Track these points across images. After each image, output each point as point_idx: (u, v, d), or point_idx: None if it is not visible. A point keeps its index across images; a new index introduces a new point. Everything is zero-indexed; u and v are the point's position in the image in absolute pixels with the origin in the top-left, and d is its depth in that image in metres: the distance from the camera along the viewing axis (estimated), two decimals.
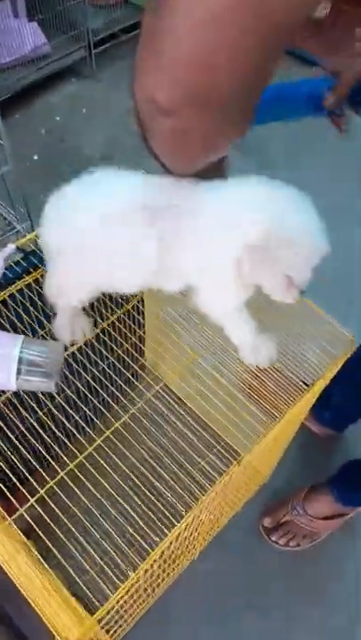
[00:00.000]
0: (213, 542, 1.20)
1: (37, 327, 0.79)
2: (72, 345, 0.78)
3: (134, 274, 0.67)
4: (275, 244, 0.55)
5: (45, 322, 0.78)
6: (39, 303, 0.77)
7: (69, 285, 0.70)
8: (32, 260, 0.82)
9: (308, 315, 0.77)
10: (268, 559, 1.23)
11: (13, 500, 0.65)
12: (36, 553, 0.63)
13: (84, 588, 0.70)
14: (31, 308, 0.77)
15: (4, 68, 2.03)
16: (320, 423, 1.38)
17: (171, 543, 0.63)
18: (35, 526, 0.65)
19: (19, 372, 0.66)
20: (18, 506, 0.66)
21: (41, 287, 0.80)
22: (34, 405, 0.77)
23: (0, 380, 0.65)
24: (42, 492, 0.65)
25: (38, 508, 0.64)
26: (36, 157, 2.00)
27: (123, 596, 0.59)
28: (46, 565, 0.63)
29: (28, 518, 0.65)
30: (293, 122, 0.89)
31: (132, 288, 0.70)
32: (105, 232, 0.63)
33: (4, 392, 0.78)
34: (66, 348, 0.77)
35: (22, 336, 0.67)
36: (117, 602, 0.59)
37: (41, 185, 1.80)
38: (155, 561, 0.63)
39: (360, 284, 1.66)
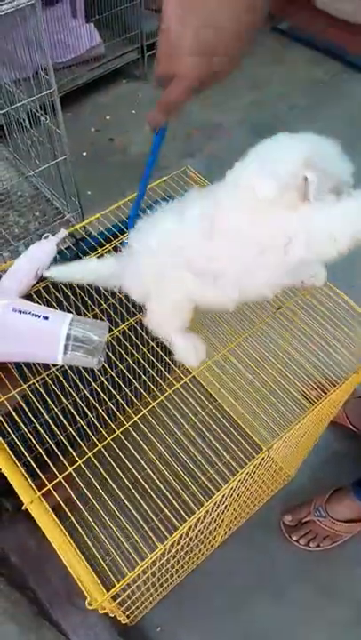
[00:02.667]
0: (233, 534, 1.23)
1: (83, 308, 0.84)
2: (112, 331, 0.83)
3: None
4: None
5: (90, 303, 0.83)
6: (86, 287, 0.82)
7: (166, 314, 0.75)
8: (82, 246, 0.87)
9: (345, 314, 0.79)
10: (286, 554, 1.24)
11: (44, 478, 0.69)
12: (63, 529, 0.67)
13: (106, 569, 0.74)
14: (79, 291, 0.82)
15: (60, 67, 2.10)
16: None
17: (191, 528, 0.66)
18: (63, 505, 0.68)
19: (66, 347, 0.70)
20: (48, 482, 0.70)
21: None
22: (72, 388, 0.82)
23: (50, 353, 0.70)
24: (70, 469, 0.69)
25: (68, 488, 0.67)
26: (85, 154, 2.07)
27: (139, 574, 0.62)
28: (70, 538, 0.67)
29: (57, 497, 0.69)
30: None
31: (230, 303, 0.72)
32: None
33: (49, 368, 0.82)
34: (110, 330, 0.81)
35: (71, 314, 0.71)
36: (135, 581, 0.62)
37: (88, 180, 1.89)
38: (176, 542, 0.66)
39: None
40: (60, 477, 0.67)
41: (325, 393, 0.72)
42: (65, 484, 0.69)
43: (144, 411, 0.73)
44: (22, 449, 0.72)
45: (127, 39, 2.23)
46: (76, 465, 0.69)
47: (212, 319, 1.01)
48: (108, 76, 2.27)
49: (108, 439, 0.71)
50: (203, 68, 0.55)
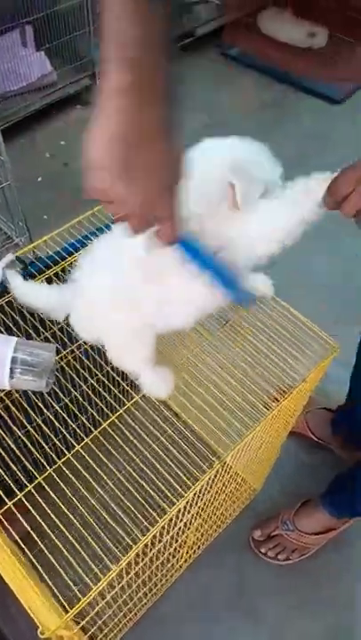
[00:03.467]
0: (204, 552, 1.21)
1: (33, 333, 0.83)
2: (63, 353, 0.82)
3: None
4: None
5: (40, 328, 0.82)
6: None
7: (128, 346, 0.74)
8: (30, 270, 0.86)
9: (295, 325, 0.81)
10: (260, 571, 1.24)
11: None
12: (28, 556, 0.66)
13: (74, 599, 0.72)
14: (27, 315, 0.81)
15: (11, 95, 2.11)
16: (347, 444, 1.36)
17: (147, 545, 0.65)
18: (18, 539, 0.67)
19: (12, 371, 0.69)
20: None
21: None
22: (24, 418, 0.80)
23: None
24: (30, 487, 0.68)
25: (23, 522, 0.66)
26: (40, 179, 2.07)
27: (97, 598, 0.60)
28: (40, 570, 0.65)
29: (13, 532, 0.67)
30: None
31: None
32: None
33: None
34: (58, 352, 0.80)
35: (16, 338, 0.71)
36: (98, 599, 0.61)
37: (44, 205, 1.89)
38: (133, 561, 0.65)
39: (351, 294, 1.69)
40: (10, 504, 0.65)
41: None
42: (19, 516, 0.68)
43: (95, 432, 0.72)
44: None
45: (79, 66, 2.27)
46: (22, 495, 0.68)
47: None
48: (61, 103, 2.29)
49: (51, 467, 0.70)
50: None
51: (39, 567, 0.69)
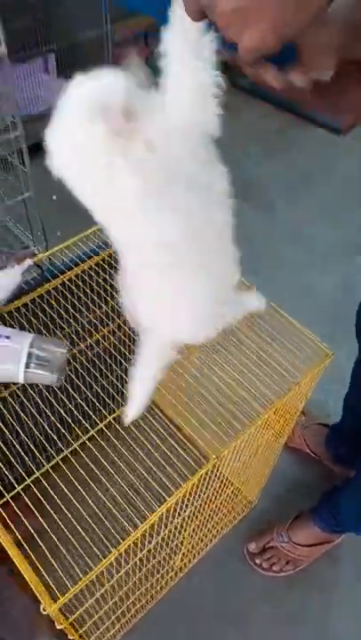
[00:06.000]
0: (199, 562, 1.24)
1: (44, 331, 0.89)
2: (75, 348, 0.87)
3: None
4: None
5: (52, 327, 0.88)
6: (48, 311, 0.87)
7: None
8: (46, 275, 0.92)
9: (291, 331, 0.86)
10: (251, 583, 1.26)
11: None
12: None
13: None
14: (41, 315, 0.87)
15: (35, 117, 2.23)
16: (337, 461, 1.40)
17: (145, 535, 0.69)
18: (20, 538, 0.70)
19: (27, 365, 0.74)
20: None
21: (51, 298, 0.90)
22: (33, 413, 0.85)
23: (11, 371, 0.74)
24: (28, 480, 0.72)
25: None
26: (54, 197, 2.16)
27: (92, 586, 0.64)
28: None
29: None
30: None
31: None
32: None
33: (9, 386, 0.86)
34: (70, 349, 0.85)
35: (32, 334, 0.76)
36: (91, 593, 0.64)
37: (58, 222, 1.96)
38: (130, 549, 0.68)
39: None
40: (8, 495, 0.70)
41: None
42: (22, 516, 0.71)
43: (92, 431, 0.77)
44: None
45: None
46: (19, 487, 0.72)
47: None
48: None
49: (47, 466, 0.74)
50: None
51: (38, 565, 0.72)
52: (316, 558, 1.28)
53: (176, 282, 0.63)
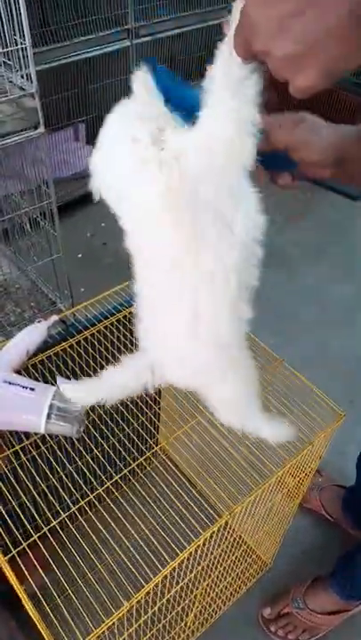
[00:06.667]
0: (211, 627, 1.20)
1: None
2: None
3: None
4: None
5: (74, 380, 0.92)
6: (70, 364, 0.91)
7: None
8: (70, 330, 0.97)
9: (306, 392, 0.88)
10: None
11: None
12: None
13: None
14: (62, 367, 0.91)
15: (64, 180, 2.37)
16: (354, 524, 1.37)
17: (156, 588, 0.69)
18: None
19: (49, 416, 0.78)
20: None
21: (74, 352, 0.94)
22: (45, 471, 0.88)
23: (33, 422, 0.78)
24: (46, 529, 0.73)
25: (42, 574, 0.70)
26: (80, 255, 2.26)
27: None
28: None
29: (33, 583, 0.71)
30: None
31: None
32: None
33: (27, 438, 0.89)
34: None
35: (54, 387, 0.80)
36: None
37: (82, 279, 2.05)
38: (142, 601, 0.69)
39: None
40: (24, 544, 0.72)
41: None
42: (39, 569, 0.72)
43: (108, 483, 0.79)
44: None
45: None
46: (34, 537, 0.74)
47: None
48: None
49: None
50: None
51: (53, 619, 0.73)
52: (336, 626, 1.23)
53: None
